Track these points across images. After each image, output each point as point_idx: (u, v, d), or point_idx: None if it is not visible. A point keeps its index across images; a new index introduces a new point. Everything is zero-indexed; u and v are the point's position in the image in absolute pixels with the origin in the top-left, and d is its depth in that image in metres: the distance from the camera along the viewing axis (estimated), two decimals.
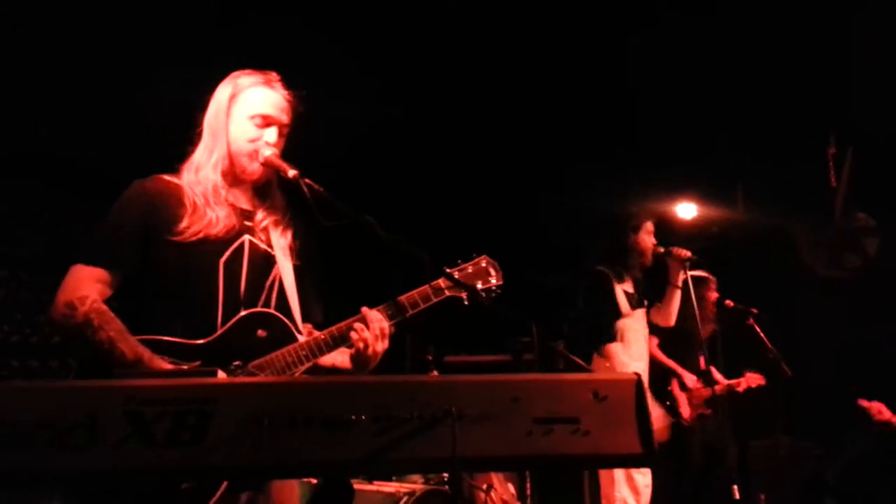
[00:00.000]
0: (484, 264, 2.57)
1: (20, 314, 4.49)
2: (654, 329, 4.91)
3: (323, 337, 2.25)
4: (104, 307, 2.10)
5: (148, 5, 4.23)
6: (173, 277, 2.16)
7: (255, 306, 2.23)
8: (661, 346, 5.29)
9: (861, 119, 6.03)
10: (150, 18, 4.30)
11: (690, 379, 5.24)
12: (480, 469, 3.82)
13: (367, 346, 2.22)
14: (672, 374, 5.28)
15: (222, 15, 4.48)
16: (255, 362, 2.17)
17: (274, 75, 2.35)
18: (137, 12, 4.23)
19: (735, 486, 3.95)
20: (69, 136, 4.64)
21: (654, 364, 5.14)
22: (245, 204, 2.34)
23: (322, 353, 2.24)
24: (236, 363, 2.15)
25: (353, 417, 1.44)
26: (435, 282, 2.37)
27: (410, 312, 2.34)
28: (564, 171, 6.38)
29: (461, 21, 5.17)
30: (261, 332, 2.20)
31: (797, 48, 5.42)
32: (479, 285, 2.51)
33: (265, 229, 2.34)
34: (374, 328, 2.22)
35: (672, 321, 4.75)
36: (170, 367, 2.05)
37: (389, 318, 2.31)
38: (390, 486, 3.85)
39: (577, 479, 4.87)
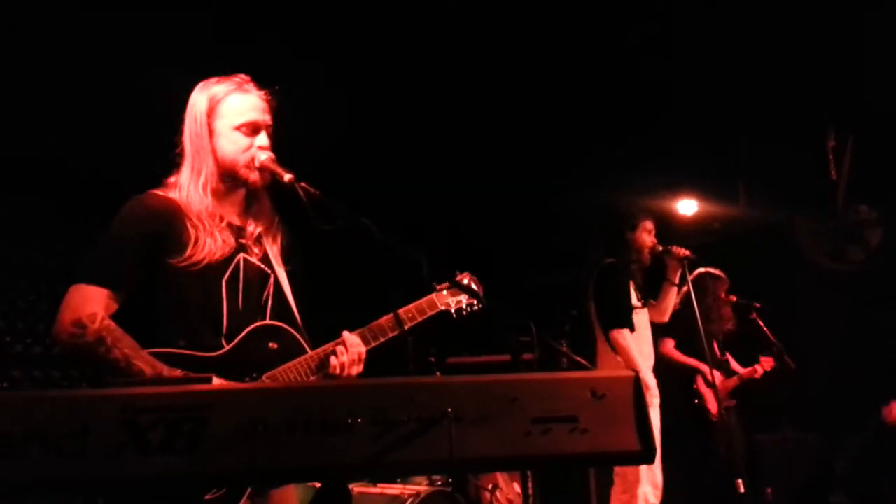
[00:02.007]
0: (467, 281, 2.67)
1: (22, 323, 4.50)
2: (665, 330, 4.89)
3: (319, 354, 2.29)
4: (114, 324, 2.07)
5: (151, 15, 4.26)
6: (176, 298, 2.16)
7: (254, 323, 2.25)
8: (678, 347, 5.25)
9: (860, 110, 6.01)
10: (157, 27, 4.34)
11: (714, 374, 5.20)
12: (479, 470, 3.82)
13: (343, 370, 2.25)
14: (695, 371, 5.22)
15: (226, 24, 4.50)
16: (269, 374, 2.19)
17: (244, 77, 2.31)
18: (145, 22, 4.28)
19: (740, 480, 3.94)
20: (72, 147, 4.65)
21: (672, 366, 5.12)
22: (235, 218, 2.33)
23: (325, 368, 2.26)
24: (253, 375, 2.16)
25: (350, 421, 1.43)
26: (428, 297, 2.53)
27: (409, 325, 2.44)
28: (565, 169, 6.37)
29: (458, 18, 5.17)
30: (272, 345, 2.22)
31: (795, 42, 5.40)
32: (464, 301, 2.63)
33: (257, 239, 2.34)
34: (352, 353, 2.27)
35: (666, 318, 4.74)
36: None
37: (373, 339, 2.38)
38: (395, 489, 3.84)
39: (582, 478, 4.86)
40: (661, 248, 4.49)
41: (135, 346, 2.05)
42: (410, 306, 2.49)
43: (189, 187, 2.25)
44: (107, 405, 1.34)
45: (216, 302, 2.19)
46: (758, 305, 5.49)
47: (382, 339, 2.40)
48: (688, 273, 4.41)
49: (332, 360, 2.24)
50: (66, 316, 2.07)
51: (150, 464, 1.32)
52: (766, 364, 5.38)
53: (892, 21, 5.09)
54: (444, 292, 2.59)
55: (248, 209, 2.35)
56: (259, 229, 2.34)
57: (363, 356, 2.30)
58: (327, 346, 2.29)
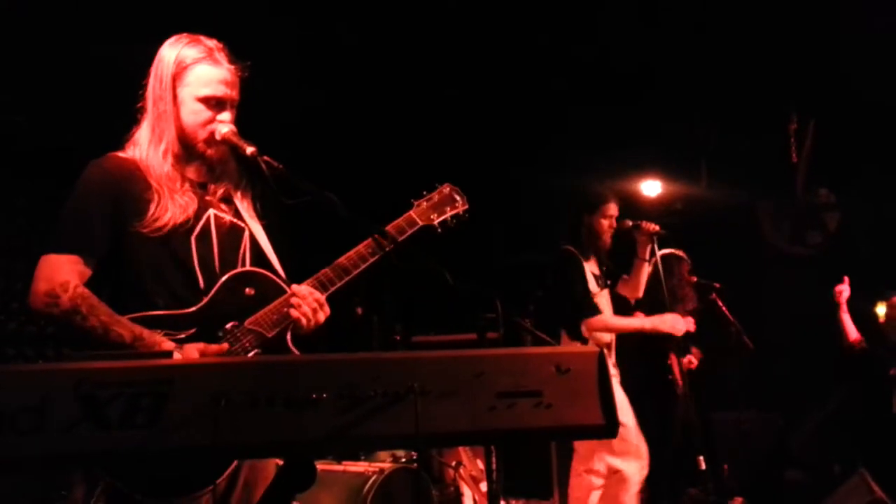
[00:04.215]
0: (448, 191, 2.59)
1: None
2: (627, 304, 4.92)
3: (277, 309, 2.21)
4: (88, 292, 2.05)
5: None
6: (148, 261, 2.13)
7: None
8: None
9: (823, 94, 6.10)
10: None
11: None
12: (445, 444, 3.83)
13: (308, 321, 2.18)
14: (667, 347, 5.27)
15: None
16: (251, 319, 2.15)
17: (217, 45, 2.25)
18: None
19: (701, 458, 4.01)
20: (44, 122, 4.56)
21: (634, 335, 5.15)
22: (199, 177, 2.29)
23: (285, 322, 2.20)
24: (233, 323, 2.13)
25: (315, 396, 1.42)
26: (406, 214, 2.45)
27: (389, 247, 2.30)
28: (531, 148, 6.38)
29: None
30: (249, 291, 2.19)
31: (759, 26, 5.46)
32: (448, 211, 2.53)
33: (225, 196, 2.30)
34: (309, 302, 2.18)
35: (640, 293, 4.75)
36: (170, 343, 2.02)
37: (353, 267, 2.28)
38: (359, 466, 3.85)
39: (544, 452, 4.91)
40: (630, 224, 4.49)
41: (110, 313, 2.02)
42: (388, 227, 2.36)
43: (149, 150, 2.21)
44: (64, 380, 1.31)
45: (187, 260, 2.16)
46: (717, 286, 5.56)
47: (363, 266, 2.29)
48: (657, 248, 4.42)
49: (293, 312, 2.16)
50: (38, 287, 2.05)
51: (110, 439, 1.30)
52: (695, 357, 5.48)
53: (854, 7, 5.16)
54: (424, 205, 2.50)
55: (211, 171, 2.30)
56: (225, 188, 2.30)
57: (322, 301, 2.21)
58: (278, 302, 2.20)
